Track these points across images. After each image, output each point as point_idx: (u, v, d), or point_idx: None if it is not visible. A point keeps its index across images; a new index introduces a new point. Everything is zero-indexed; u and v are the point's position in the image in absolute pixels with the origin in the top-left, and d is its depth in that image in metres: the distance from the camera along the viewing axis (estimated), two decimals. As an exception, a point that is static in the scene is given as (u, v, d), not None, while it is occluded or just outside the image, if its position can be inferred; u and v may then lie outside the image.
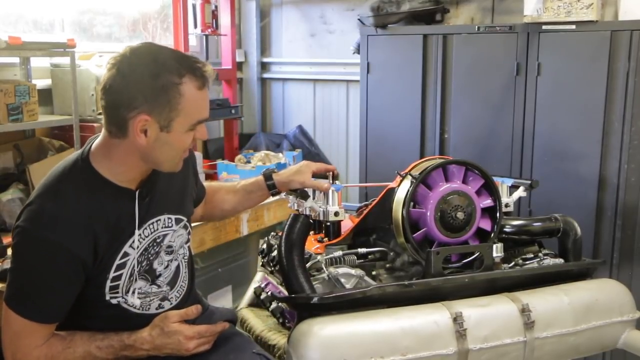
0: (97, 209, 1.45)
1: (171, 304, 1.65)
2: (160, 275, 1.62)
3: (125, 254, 1.51)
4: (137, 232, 1.52)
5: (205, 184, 1.98)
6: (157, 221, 1.58)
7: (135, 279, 1.55)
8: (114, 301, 1.53)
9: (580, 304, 1.75)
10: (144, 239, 1.55)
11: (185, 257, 1.72)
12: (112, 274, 1.49)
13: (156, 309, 1.61)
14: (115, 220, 1.48)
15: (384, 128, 3.31)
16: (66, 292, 1.46)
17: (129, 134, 1.42)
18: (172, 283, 1.66)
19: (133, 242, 1.52)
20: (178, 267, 1.68)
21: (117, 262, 1.49)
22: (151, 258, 1.58)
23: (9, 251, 2.23)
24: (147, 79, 1.37)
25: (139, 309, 1.57)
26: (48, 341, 1.46)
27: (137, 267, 1.54)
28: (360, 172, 3.45)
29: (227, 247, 3.14)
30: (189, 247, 1.74)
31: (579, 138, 2.79)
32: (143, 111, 1.38)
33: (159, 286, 1.61)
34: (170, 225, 1.62)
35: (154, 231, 1.58)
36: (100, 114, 2.95)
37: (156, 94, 1.37)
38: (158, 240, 1.60)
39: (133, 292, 1.55)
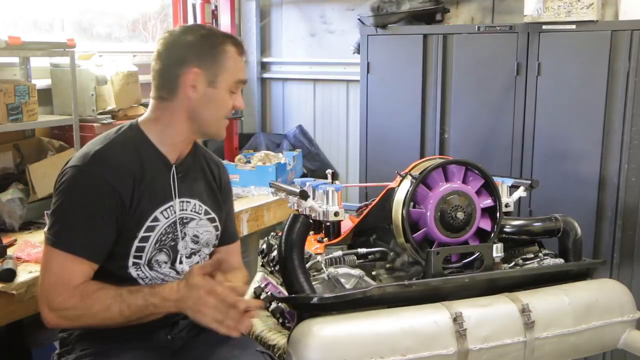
0: (139, 161, 1.57)
1: None
2: (181, 261, 1.66)
3: (156, 219, 1.58)
4: (177, 200, 1.62)
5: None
6: (188, 202, 1.66)
7: (160, 250, 1.60)
8: (133, 273, 1.57)
9: (581, 304, 1.75)
10: (174, 213, 1.62)
11: (206, 258, 1.75)
12: (141, 234, 1.56)
13: None
14: (152, 179, 1.58)
15: (384, 128, 3.31)
16: (106, 229, 1.51)
17: (179, 93, 1.59)
18: None
19: (165, 210, 1.60)
20: (197, 263, 1.71)
21: (147, 223, 1.57)
22: (177, 234, 1.64)
23: (9, 251, 2.24)
24: (197, 39, 1.59)
25: None
26: (86, 281, 1.49)
27: (164, 237, 1.60)
28: (360, 172, 3.45)
29: (227, 247, 3.13)
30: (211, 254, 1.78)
31: (579, 138, 2.79)
32: (194, 65, 1.57)
33: (177, 272, 1.65)
34: (199, 212, 1.69)
35: (183, 210, 1.65)
36: (100, 113, 2.97)
37: (205, 50, 1.58)
38: (185, 221, 1.66)
39: (152, 265, 1.59)
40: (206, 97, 1.59)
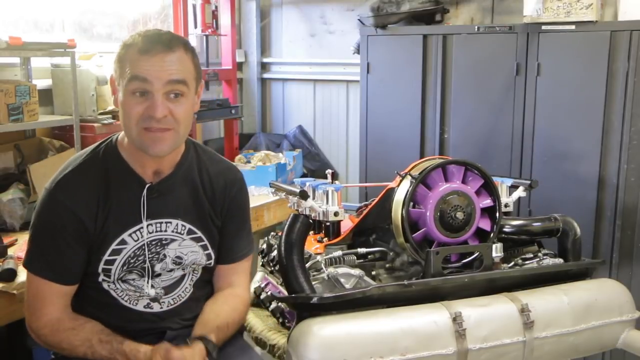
0: (105, 183, 1.53)
1: (161, 307, 1.61)
2: (159, 275, 1.60)
3: (123, 242, 1.53)
4: (144, 223, 1.54)
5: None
6: (169, 223, 1.58)
7: (130, 271, 1.55)
8: (105, 286, 1.55)
9: (580, 304, 1.75)
10: (146, 235, 1.55)
11: (197, 273, 1.66)
12: (106, 257, 1.52)
13: (144, 307, 1.59)
14: (120, 202, 1.53)
15: (384, 128, 3.31)
16: (71, 252, 1.50)
17: None
18: (169, 289, 1.62)
19: (135, 232, 1.54)
20: (183, 277, 1.64)
21: (113, 246, 1.52)
22: (151, 257, 1.56)
23: (10, 251, 2.25)
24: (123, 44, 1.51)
25: (126, 302, 1.57)
26: (60, 316, 1.50)
27: (133, 260, 1.55)
28: (360, 172, 3.45)
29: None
30: (204, 269, 1.67)
31: (578, 138, 2.79)
32: (112, 72, 1.52)
33: (153, 287, 1.58)
34: (182, 232, 1.60)
35: (160, 231, 1.57)
36: (101, 113, 2.97)
37: (118, 54, 1.49)
38: (164, 242, 1.58)
39: (126, 280, 1.56)
40: (119, 104, 1.49)
